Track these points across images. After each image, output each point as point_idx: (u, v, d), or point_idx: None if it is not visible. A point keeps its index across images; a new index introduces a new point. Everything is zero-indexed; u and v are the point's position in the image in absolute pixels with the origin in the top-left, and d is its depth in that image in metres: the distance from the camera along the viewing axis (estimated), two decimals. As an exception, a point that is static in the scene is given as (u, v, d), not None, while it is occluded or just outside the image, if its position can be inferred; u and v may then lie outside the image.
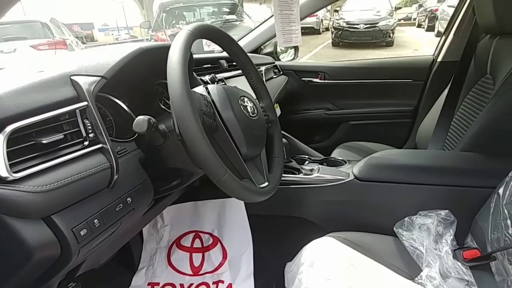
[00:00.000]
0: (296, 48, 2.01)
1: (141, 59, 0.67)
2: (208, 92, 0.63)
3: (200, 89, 0.63)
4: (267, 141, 0.79)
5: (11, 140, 0.43)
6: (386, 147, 1.51)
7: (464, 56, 1.35)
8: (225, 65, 1.15)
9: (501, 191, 0.79)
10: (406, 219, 0.91)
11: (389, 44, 8.77)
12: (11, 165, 0.42)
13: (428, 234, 0.89)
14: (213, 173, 0.52)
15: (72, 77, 0.55)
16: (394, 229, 0.91)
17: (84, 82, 0.55)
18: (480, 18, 1.19)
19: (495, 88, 1.03)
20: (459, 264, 0.81)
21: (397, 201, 0.95)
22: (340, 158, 1.14)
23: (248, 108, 0.66)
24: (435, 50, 1.66)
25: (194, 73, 0.91)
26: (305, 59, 8.14)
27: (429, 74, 1.63)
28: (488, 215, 0.80)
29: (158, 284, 1.11)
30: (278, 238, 1.10)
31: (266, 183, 0.67)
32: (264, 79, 1.40)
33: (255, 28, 1.69)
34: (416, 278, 0.81)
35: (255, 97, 0.81)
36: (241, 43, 1.70)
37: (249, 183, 0.61)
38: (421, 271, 0.82)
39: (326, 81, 1.79)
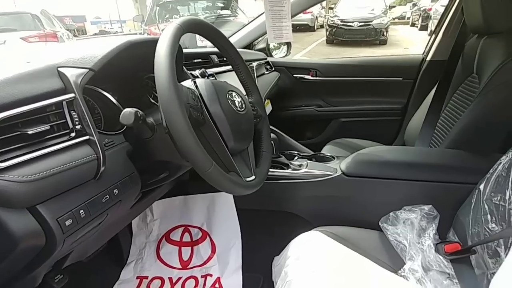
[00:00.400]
0: (288, 45, 2.02)
1: (130, 52, 0.67)
2: (196, 86, 0.63)
3: (188, 83, 0.64)
4: (256, 135, 0.80)
5: (-3, 130, 0.43)
6: (376, 145, 1.54)
7: (451, 56, 1.37)
8: (216, 60, 1.15)
9: (482, 187, 0.81)
10: (391, 214, 0.93)
11: (383, 42, 8.84)
12: (-4, 155, 0.42)
13: (411, 228, 0.91)
14: (199, 165, 0.53)
15: (59, 69, 0.55)
16: (380, 223, 0.93)
17: (72, 74, 0.55)
18: (468, 18, 1.22)
19: (480, 87, 1.05)
20: (441, 257, 0.83)
21: (383, 196, 0.97)
22: (328, 154, 1.15)
23: (236, 102, 0.67)
24: (425, 49, 1.69)
25: (185, 68, 0.92)
26: (299, 56, 8.16)
27: (419, 72, 1.65)
28: (469, 210, 0.83)
29: (146, 277, 1.11)
30: (266, 232, 1.12)
31: (253, 177, 0.68)
32: (255, 75, 1.41)
33: (247, 24, 1.69)
34: (399, 271, 0.83)
35: (244, 93, 0.82)
36: (234, 39, 1.71)
37: (235, 176, 0.62)
38: (404, 264, 0.85)
39: (317, 78, 1.81)
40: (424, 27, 10.58)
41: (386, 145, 1.61)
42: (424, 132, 1.27)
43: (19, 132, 0.46)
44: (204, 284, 1.07)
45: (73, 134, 0.52)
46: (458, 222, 0.87)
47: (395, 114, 1.74)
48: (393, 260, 0.86)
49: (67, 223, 0.48)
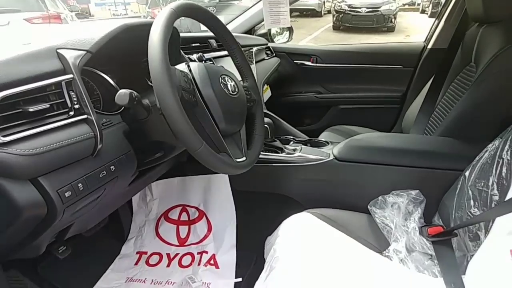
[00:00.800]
0: (290, 30, 2.01)
1: (127, 34, 0.70)
2: (190, 70, 0.66)
3: (182, 66, 0.66)
4: (249, 119, 0.83)
5: (0, 107, 0.47)
6: (373, 132, 1.56)
7: (451, 44, 1.37)
8: (215, 44, 1.17)
9: (467, 173, 0.84)
10: (379, 198, 0.96)
11: (391, 29, 8.67)
12: (0, 130, 0.46)
13: (398, 212, 0.94)
14: (189, 145, 0.56)
15: (58, 50, 0.58)
16: (368, 207, 0.97)
17: (70, 55, 0.58)
18: (469, 6, 1.21)
19: (475, 77, 1.06)
20: (424, 239, 0.87)
21: (372, 181, 1.00)
22: (323, 140, 1.18)
23: (229, 86, 0.70)
24: (426, 37, 1.68)
25: (182, 52, 0.94)
26: (305, 42, 8.06)
27: (419, 60, 1.65)
28: (454, 195, 0.86)
29: (146, 253, 1.17)
30: (260, 213, 1.16)
31: (244, 158, 0.71)
32: (254, 60, 1.42)
33: (249, 8, 1.69)
34: (384, 252, 0.87)
35: (240, 78, 0.85)
36: (235, 23, 1.71)
37: (226, 157, 0.65)
38: (389, 245, 0.88)
39: (318, 64, 1.81)
40: (434, 14, 10.30)
41: (383, 130, 1.64)
42: (419, 120, 1.28)
43: (20, 110, 0.49)
44: (200, 260, 1.13)
45: (71, 113, 0.56)
46: (443, 207, 0.90)
47: (394, 102, 1.75)
48: (379, 242, 0.90)
49: (67, 194, 0.52)
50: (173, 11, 0.61)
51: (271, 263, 0.81)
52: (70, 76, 0.57)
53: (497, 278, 0.63)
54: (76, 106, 0.57)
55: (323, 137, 1.49)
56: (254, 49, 1.54)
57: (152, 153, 0.73)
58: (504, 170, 0.74)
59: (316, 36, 8.60)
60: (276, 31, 1.96)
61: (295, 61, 1.85)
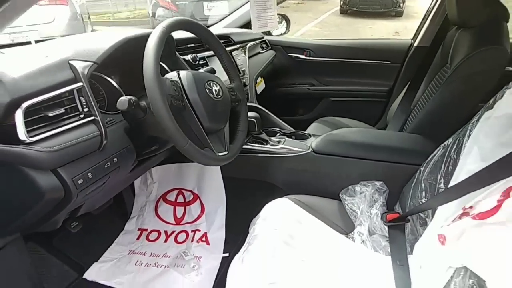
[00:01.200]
0: (288, 22, 2.09)
1: (128, 45, 0.82)
2: (180, 78, 0.78)
3: (172, 75, 0.78)
4: (233, 117, 0.96)
5: (26, 114, 0.60)
6: (361, 124, 1.67)
7: (433, 43, 1.46)
8: (208, 44, 1.28)
9: (423, 168, 0.97)
10: (350, 187, 1.09)
11: (399, 14, 8.52)
12: (27, 132, 0.59)
13: (364, 200, 1.07)
14: (177, 143, 0.69)
15: (70, 62, 0.71)
16: (340, 194, 1.10)
17: (80, 66, 0.71)
18: (448, 9, 1.29)
19: (445, 78, 1.16)
20: (383, 224, 1.00)
21: (345, 172, 1.12)
22: (306, 133, 1.30)
23: (213, 91, 0.82)
24: (414, 34, 1.75)
25: (177, 53, 1.05)
26: (311, 27, 7.98)
27: (406, 57, 1.73)
28: (411, 187, 0.99)
29: (146, 229, 1.33)
30: (247, 198, 1.30)
31: (226, 152, 0.84)
32: (247, 56, 1.52)
33: (245, 4, 1.77)
34: (350, 234, 1.01)
35: (226, 79, 0.96)
36: (232, 17, 1.80)
37: (209, 152, 0.78)
38: (355, 228, 1.02)
39: (311, 58, 1.91)
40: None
41: (371, 125, 1.74)
42: (397, 116, 1.39)
43: (42, 115, 0.62)
44: (193, 237, 1.28)
45: (82, 116, 0.68)
46: (402, 197, 1.03)
47: (381, 96, 1.84)
48: (346, 225, 1.03)
49: (79, 181, 0.66)
50: (164, 29, 0.72)
51: (249, 240, 0.95)
52: (80, 84, 0.69)
53: (429, 258, 0.77)
54: (86, 110, 0.69)
55: (312, 127, 1.61)
56: (249, 44, 1.63)
57: (149, 146, 0.86)
58: (450, 167, 0.86)
59: (323, 20, 8.51)
60: None
61: (289, 54, 1.94)
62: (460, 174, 0.78)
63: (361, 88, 1.87)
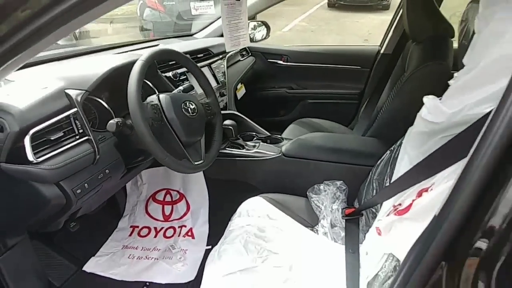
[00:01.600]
0: (267, 28, 2.22)
1: (116, 72, 0.95)
2: (159, 101, 0.92)
3: (153, 98, 0.92)
4: (209, 128, 1.10)
5: (32, 139, 0.73)
6: (335, 125, 1.82)
7: (394, 52, 1.61)
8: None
9: (374, 169, 1.13)
10: (315, 186, 1.25)
11: (385, 7, 8.64)
12: (34, 154, 0.73)
13: (328, 197, 1.24)
14: (158, 157, 0.84)
15: (65, 91, 0.84)
16: (307, 192, 1.26)
17: (74, 94, 0.84)
18: (403, 23, 1.43)
19: (399, 87, 1.32)
20: (342, 218, 1.17)
21: (311, 173, 1.28)
22: (279, 136, 1.45)
23: (189, 109, 0.96)
24: (381, 42, 1.90)
25: (160, 71, 1.18)
26: (298, 21, 8.08)
27: (374, 63, 1.88)
28: (365, 186, 1.15)
29: (138, 226, 1.48)
30: (227, 196, 1.45)
31: (202, 161, 0.99)
32: (226, 66, 1.66)
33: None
34: (315, 227, 1.17)
35: (202, 97, 1.11)
36: (214, 26, 1.93)
37: (186, 162, 0.93)
38: (319, 222, 1.18)
39: (288, 63, 2.05)
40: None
41: (345, 125, 1.90)
42: (361, 119, 1.55)
43: (45, 138, 0.76)
44: (180, 232, 1.43)
45: (77, 137, 0.82)
46: (359, 194, 1.19)
47: (353, 98, 2.00)
48: (312, 219, 1.19)
49: (78, 191, 0.80)
50: (143, 62, 0.86)
51: (226, 234, 1.11)
52: (75, 110, 0.83)
53: (371, 246, 0.93)
54: (81, 131, 0.83)
55: (290, 128, 1.75)
56: (229, 53, 1.76)
57: (135, 157, 1.01)
58: (393, 167, 1.02)
59: (310, 14, 8.59)
60: (254, 26, 2.17)
61: (269, 60, 2.08)
62: (396, 176, 0.94)
63: (335, 91, 2.02)
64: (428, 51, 1.24)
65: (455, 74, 0.65)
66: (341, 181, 1.22)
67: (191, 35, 2.02)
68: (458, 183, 0.41)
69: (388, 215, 0.88)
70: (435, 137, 0.73)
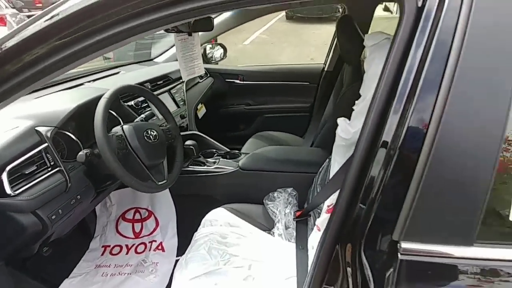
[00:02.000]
0: (224, 50, 2.40)
1: (82, 108, 1.07)
2: (123, 131, 1.04)
3: (118, 129, 1.05)
4: (171, 151, 1.24)
5: (9, 174, 0.83)
6: (290, 136, 2.01)
7: (334, 70, 1.84)
8: (149, 86, 1.54)
9: (317, 175, 1.32)
10: (270, 194, 1.42)
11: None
12: (11, 187, 0.83)
13: (281, 203, 1.41)
14: (124, 182, 0.96)
15: (36, 128, 0.95)
16: (264, 200, 1.42)
17: (44, 130, 0.95)
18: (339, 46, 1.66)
19: (337, 101, 1.53)
20: (293, 220, 1.34)
21: (266, 182, 1.45)
22: (237, 152, 1.61)
23: (151, 136, 1.09)
24: (325, 60, 2.14)
25: (122, 101, 1.30)
26: (259, 34, 8.40)
27: (320, 79, 2.12)
28: (311, 191, 1.33)
29: (109, 246, 1.56)
30: (194, 209, 1.57)
31: (165, 180, 1.12)
32: (184, 90, 1.80)
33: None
34: (272, 230, 1.33)
35: (163, 124, 1.24)
36: (173, 50, 2.06)
37: (150, 183, 1.06)
38: (274, 225, 1.35)
39: (245, 82, 2.23)
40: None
41: (300, 136, 2.10)
42: (310, 131, 1.76)
43: (20, 173, 0.86)
44: (151, 247, 1.54)
45: (49, 169, 0.93)
46: (307, 198, 1.38)
47: (305, 111, 2.21)
48: (268, 223, 1.35)
49: (53, 217, 0.90)
50: (107, 100, 0.99)
51: (191, 243, 1.24)
52: (46, 145, 0.93)
53: (315, 241, 1.10)
54: (52, 163, 0.94)
55: (249, 142, 1.92)
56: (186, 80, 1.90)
57: (104, 182, 1.12)
58: (329, 174, 1.21)
59: (270, 27, 8.94)
60: (210, 47, 2.33)
61: (226, 80, 2.25)
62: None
63: (288, 105, 2.23)
64: (356, 73, 1.46)
65: (356, 102, 0.85)
66: (292, 188, 1.40)
67: (152, 59, 2.15)
68: (343, 184, 0.59)
69: (322, 214, 1.06)
70: (350, 149, 0.93)
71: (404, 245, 0.49)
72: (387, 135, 0.52)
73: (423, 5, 0.50)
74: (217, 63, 2.49)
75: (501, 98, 0.46)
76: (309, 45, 7.32)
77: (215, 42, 2.77)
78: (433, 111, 0.48)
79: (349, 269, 0.58)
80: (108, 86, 1.22)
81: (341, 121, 0.90)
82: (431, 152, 0.48)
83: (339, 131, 0.92)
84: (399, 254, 0.50)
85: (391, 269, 0.50)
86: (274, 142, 1.88)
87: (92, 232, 1.59)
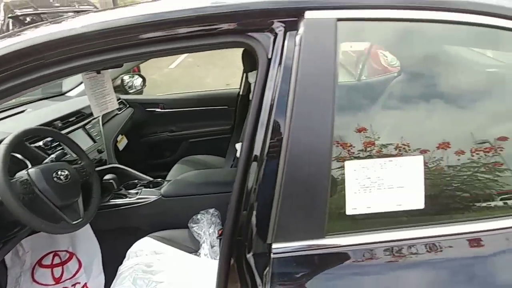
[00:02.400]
0: (143, 80, 2.43)
1: None
2: (29, 175, 1.03)
3: (22, 174, 1.03)
4: (87, 187, 1.24)
5: None
6: (215, 158, 2.11)
7: (247, 94, 2.01)
8: (60, 124, 1.51)
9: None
10: (194, 217, 1.48)
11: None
12: None
13: (205, 223, 1.49)
14: (33, 227, 0.95)
15: None
16: (188, 224, 1.48)
17: None
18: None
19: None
20: (216, 238, 1.43)
21: (189, 207, 1.51)
22: (160, 180, 1.65)
23: (61, 177, 1.09)
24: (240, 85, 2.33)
25: (28, 144, 1.27)
26: (184, 57, 8.45)
27: (237, 102, 2.28)
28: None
29: (25, 298, 1.44)
30: (120, 243, 1.56)
31: (81, 219, 1.12)
32: (101, 124, 1.79)
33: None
34: (198, 251, 1.40)
35: (77, 161, 1.24)
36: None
37: (64, 223, 1.05)
38: (200, 246, 1.42)
39: (166, 110, 2.29)
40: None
41: (224, 157, 2.21)
42: (230, 153, 1.88)
43: None
44: (74, 290, 1.47)
45: None
46: (228, 216, 1.48)
47: (227, 133, 2.35)
48: (195, 245, 1.41)
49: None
50: (7, 146, 0.97)
51: (116, 277, 1.24)
52: None
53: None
54: None
55: (174, 169, 1.96)
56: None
57: (11, 230, 1.07)
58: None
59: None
60: (128, 78, 2.35)
61: (147, 109, 2.28)
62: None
63: (210, 129, 2.35)
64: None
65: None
66: (214, 208, 1.49)
67: (64, 93, 2.08)
68: (231, 196, 0.71)
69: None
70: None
71: (275, 245, 0.62)
72: (256, 150, 0.66)
73: (271, 58, 0.67)
74: (141, 92, 2.51)
75: (325, 116, 0.65)
76: (234, 67, 7.60)
77: (138, 70, 2.80)
78: (284, 128, 0.64)
79: (245, 276, 0.70)
80: (11, 128, 1.19)
81: (238, 145, 1.04)
82: (285, 161, 0.63)
83: (238, 154, 1.05)
84: (271, 254, 0.63)
85: (267, 268, 0.63)
86: (199, 165, 1.96)
87: (3, 286, 1.46)
